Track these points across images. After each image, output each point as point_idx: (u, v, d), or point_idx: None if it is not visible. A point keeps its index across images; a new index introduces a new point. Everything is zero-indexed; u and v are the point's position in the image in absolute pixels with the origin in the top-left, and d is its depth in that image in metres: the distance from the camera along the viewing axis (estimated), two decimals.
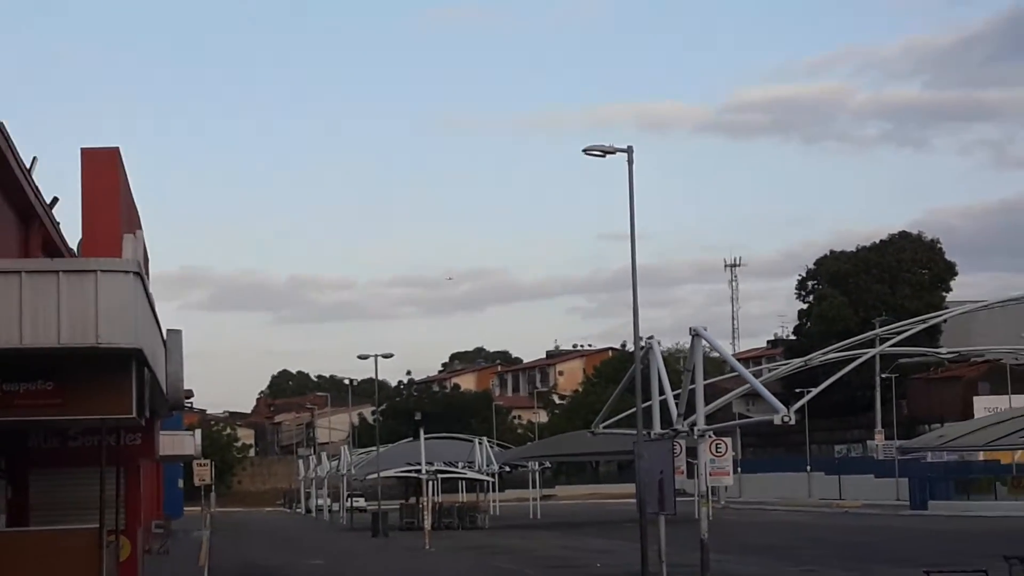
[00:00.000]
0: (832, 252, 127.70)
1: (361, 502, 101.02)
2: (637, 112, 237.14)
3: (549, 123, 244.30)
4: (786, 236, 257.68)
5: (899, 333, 65.62)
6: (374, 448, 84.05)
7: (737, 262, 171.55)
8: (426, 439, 68.58)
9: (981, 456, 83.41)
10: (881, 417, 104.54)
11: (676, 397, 29.60)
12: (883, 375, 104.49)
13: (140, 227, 37.80)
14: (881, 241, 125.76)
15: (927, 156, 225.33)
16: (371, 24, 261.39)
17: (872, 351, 72.33)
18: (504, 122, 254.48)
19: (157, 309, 22.84)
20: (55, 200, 30.98)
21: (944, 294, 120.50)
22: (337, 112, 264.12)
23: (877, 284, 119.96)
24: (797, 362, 67.30)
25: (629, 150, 29.68)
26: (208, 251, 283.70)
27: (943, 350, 70.91)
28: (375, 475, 75.65)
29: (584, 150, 29.63)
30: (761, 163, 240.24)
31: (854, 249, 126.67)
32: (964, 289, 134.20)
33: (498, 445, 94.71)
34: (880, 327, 79.03)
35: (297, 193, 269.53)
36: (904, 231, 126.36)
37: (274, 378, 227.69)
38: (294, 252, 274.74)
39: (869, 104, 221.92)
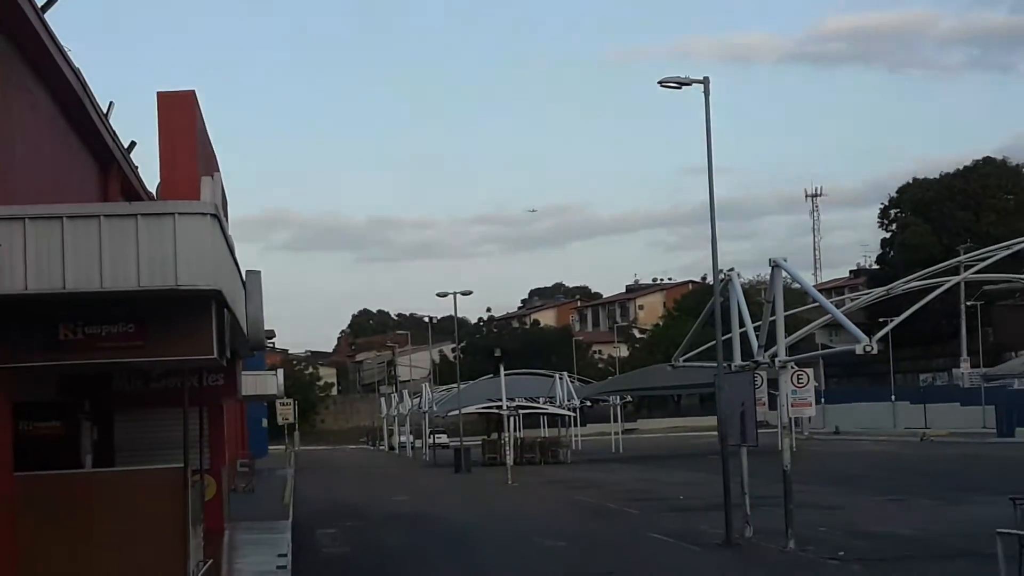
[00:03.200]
0: (915, 180, 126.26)
1: (443, 439, 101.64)
2: (719, 44, 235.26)
3: (630, 57, 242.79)
4: (869, 165, 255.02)
5: (984, 260, 64.54)
6: (455, 385, 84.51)
7: (819, 192, 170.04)
8: (506, 375, 68.81)
9: None
10: (967, 345, 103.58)
11: (756, 329, 29.49)
12: (968, 303, 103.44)
13: (218, 169, 38.05)
14: (965, 168, 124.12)
15: (1013, 81, 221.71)
16: None
17: (956, 278, 71.50)
18: (584, 57, 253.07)
19: (239, 251, 23.02)
20: (133, 144, 31.24)
21: None
22: (417, 51, 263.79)
23: (961, 211, 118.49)
24: (880, 291, 66.68)
25: (705, 81, 29.42)
26: (289, 193, 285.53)
27: None
28: (456, 412, 76.12)
29: (660, 82, 29.38)
30: (844, 92, 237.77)
31: (938, 176, 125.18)
32: None
33: (579, 380, 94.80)
34: (964, 254, 78.41)
35: (377, 133, 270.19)
36: (989, 157, 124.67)
37: (355, 317, 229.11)
38: (374, 192, 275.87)
39: (954, 30, 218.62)
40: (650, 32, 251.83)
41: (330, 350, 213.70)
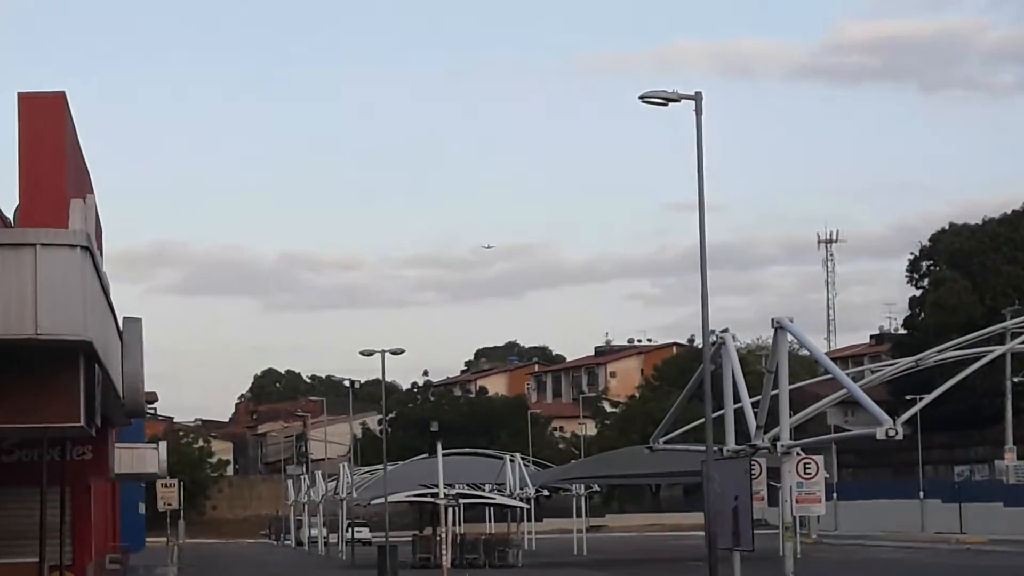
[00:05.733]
0: (952, 226, 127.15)
1: (365, 533, 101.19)
2: (716, 52, 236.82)
3: (607, 67, 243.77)
4: (896, 206, 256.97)
5: None
6: (380, 466, 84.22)
7: (834, 238, 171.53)
8: (445, 455, 68.67)
9: None
10: (1013, 431, 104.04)
11: (755, 405, 29.57)
12: (1015, 378, 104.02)
13: (91, 191, 37.95)
14: (1014, 212, 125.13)
15: None
16: None
17: (1002, 348, 71.85)
18: (551, 66, 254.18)
19: (115, 293, 22.91)
20: None
21: None
22: (340, 51, 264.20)
23: (1008, 265, 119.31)
24: (907, 362, 67.07)
25: (697, 97, 29.63)
26: (181, 222, 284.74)
27: None
28: (382, 500, 75.81)
29: (642, 97, 29.58)
30: (868, 116, 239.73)
31: (980, 222, 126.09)
32: None
33: (534, 463, 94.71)
34: (1011, 318, 78.96)
35: (291, 152, 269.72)
36: None
37: (258, 379, 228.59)
38: (287, 224, 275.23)
39: (1004, 44, 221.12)
40: (630, 34, 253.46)
41: (226, 419, 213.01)
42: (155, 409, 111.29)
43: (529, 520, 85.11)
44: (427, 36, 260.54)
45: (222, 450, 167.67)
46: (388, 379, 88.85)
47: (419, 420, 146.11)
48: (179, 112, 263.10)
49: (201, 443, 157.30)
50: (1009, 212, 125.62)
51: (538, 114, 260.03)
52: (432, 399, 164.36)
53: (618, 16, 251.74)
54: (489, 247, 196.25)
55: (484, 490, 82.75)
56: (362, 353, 77.58)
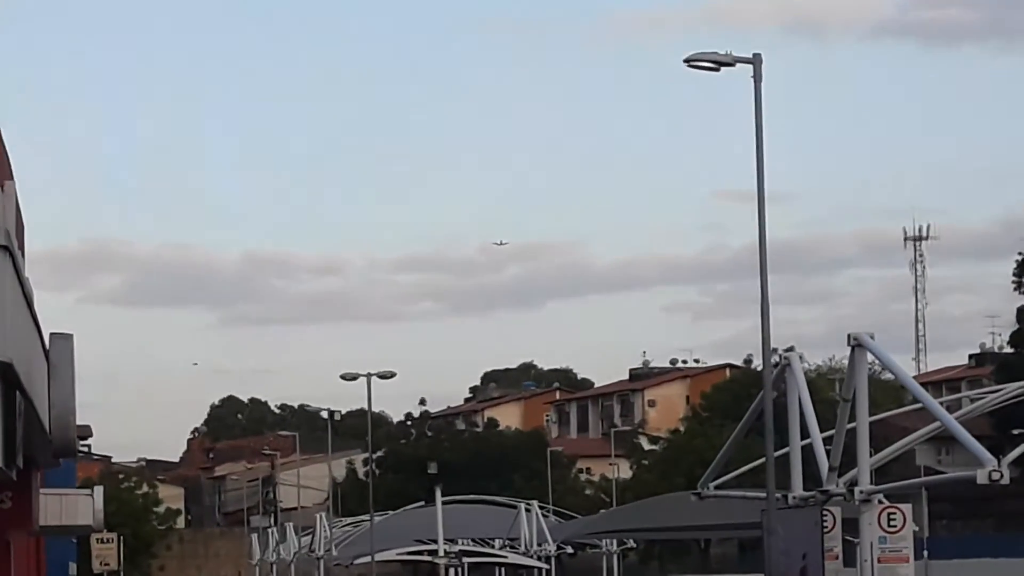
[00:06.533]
0: None
1: None
2: (781, 7, 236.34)
3: (645, 27, 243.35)
4: (1001, 196, 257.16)
5: None
6: (366, 517, 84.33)
7: (925, 234, 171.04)
8: (445, 503, 68.76)
9: None
10: None
11: (827, 442, 29.59)
12: None
13: (11, 178, 38.04)
14: None
15: None
16: None
17: None
18: (580, 26, 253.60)
19: (40, 303, 22.97)
20: None
21: None
22: (320, 19, 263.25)
23: None
24: (1014, 388, 67.28)
25: (755, 60, 29.64)
26: (124, 219, 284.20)
27: None
28: (368, 559, 75.94)
29: (688, 61, 29.58)
30: (968, 84, 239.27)
31: None
32: None
33: (555, 513, 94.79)
34: None
35: (257, 132, 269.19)
36: None
37: (215, 409, 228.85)
38: (252, 219, 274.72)
39: None
40: None
41: (176, 459, 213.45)
42: (89, 447, 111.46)
43: None
44: None
45: (171, 497, 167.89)
46: (376, 409, 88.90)
47: (414, 460, 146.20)
48: (118, 82, 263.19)
49: (146, 488, 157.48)
50: None
51: (560, 85, 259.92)
52: (430, 434, 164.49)
53: None
54: (501, 244, 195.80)
55: (494, 547, 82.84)
56: (344, 377, 77.79)
